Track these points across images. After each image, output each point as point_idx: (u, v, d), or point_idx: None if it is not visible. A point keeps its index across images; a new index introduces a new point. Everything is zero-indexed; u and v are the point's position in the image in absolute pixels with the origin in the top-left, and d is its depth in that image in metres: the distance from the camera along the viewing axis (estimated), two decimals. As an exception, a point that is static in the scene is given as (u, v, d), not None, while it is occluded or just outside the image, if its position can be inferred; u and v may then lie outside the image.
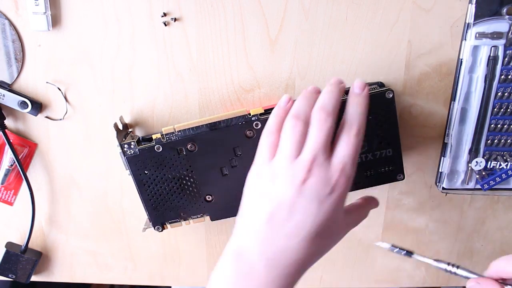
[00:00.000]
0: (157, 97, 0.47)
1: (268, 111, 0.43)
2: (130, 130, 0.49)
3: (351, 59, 0.45)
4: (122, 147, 0.44)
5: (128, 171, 0.46)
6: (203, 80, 0.47)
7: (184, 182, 0.45)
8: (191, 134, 0.44)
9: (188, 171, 0.45)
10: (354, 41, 0.45)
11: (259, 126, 0.43)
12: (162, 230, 0.47)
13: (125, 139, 0.46)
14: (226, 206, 0.46)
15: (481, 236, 0.53)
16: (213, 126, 0.44)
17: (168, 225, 0.47)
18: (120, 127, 0.47)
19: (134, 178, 0.45)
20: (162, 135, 0.44)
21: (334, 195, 0.34)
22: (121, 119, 0.47)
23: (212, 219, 0.47)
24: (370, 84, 0.45)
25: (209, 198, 0.46)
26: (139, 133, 0.49)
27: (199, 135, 0.43)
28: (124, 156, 0.45)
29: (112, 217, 0.53)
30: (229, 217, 0.46)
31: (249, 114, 0.43)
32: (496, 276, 0.32)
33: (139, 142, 0.45)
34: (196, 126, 0.44)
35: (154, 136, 0.44)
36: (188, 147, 0.44)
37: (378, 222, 0.52)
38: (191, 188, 0.46)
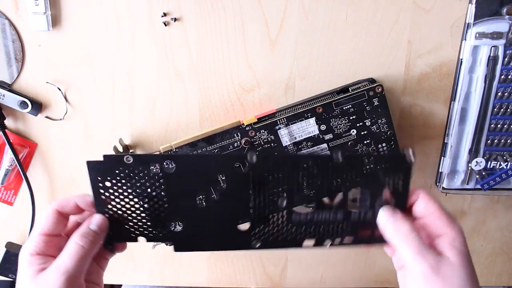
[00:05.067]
0: (157, 97, 0.47)
1: (261, 119, 0.43)
2: (131, 151, 0.48)
3: (351, 59, 0.45)
4: None
5: None
6: (203, 80, 0.47)
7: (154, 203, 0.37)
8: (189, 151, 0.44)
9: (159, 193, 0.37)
10: (354, 41, 0.45)
11: (254, 160, 0.35)
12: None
13: None
14: (193, 239, 0.38)
15: (481, 236, 0.53)
16: (210, 140, 0.44)
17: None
18: (120, 149, 0.47)
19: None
20: (161, 154, 0.44)
21: None
22: (120, 141, 0.47)
23: (175, 250, 0.38)
24: (360, 82, 0.45)
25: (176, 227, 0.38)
26: (140, 153, 0.49)
27: (181, 157, 0.37)
28: None
29: (112, 217, 0.53)
30: (195, 250, 0.39)
31: (243, 124, 0.43)
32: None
33: None
34: (193, 142, 0.44)
35: None
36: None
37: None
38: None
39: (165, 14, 0.44)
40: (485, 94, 0.44)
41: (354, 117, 0.43)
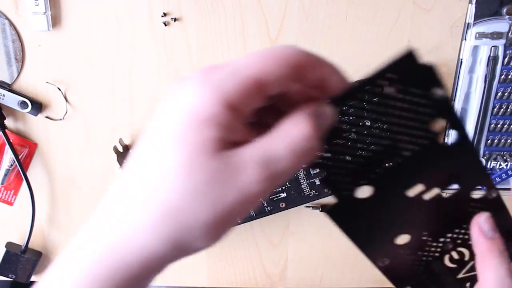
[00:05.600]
0: (157, 97, 0.47)
1: None
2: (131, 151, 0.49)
3: (351, 59, 0.45)
4: None
5: None
6: (203, 80, 0.47)
7: None
8: None
9: None
10: (354, 41, 0.45)
11: None
12: None
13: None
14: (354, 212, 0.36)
15: (481, 236, 0.53)
16: None
17: None
18: (120, 149, 0.47)
19: None
20: None
21: None
22: (120, 141, 0.48)
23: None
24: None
25: None
26: None
27: None
28: None
29: (112, 217, 0.53)
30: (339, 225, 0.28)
31: None
32: None
33: None
34: None
35: None
36: None
37: (378, 222, 0.52)
38: None
39: (165, 14, 0.44)
40: (485, 94, 0.44)
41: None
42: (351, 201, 0.23)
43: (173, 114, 0.18)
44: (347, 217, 0.24)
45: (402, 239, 0.26)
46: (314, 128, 0.19)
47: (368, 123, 0.21)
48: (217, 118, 0.18)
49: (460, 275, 0.28)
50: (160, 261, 0.20)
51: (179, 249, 0.19)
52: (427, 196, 0.24)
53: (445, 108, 0.21)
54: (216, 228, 0.19)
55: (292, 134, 0.19)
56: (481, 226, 0.25)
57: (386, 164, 0.22)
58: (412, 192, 0.24)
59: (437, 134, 0.22)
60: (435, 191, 0.24)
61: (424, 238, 0.26)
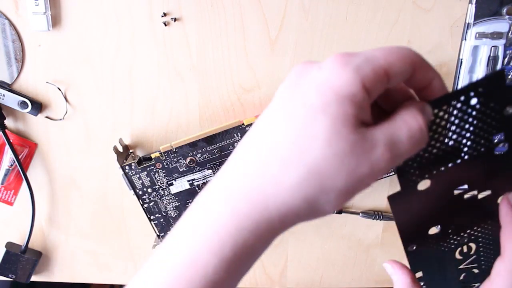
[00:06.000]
0: (157, 97, 0.47)
1: None
2: (130, 151, 0.49)
3: (351, 59, 0.45)
4: (123, 169, 0.45)
5: (131, 192, 0.46)
6: (203, 80, 0.47)
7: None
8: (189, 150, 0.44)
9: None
10: (354, 41, 0.45)
11: None
12: None
13: (126, 160, 0.46)
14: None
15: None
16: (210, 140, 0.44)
17: None
18: (120, 149, 0.47)
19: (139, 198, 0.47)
20: (160, 153, 0.45)
21: None
22: (120, 141, 0.48)
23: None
24: None
25: None
26: (140, 153, 0.49)
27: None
28: (126, 177, 0.45)
29: (112, 217, 0.53)
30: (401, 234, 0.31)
31: (243, 124, 0.44)
32: None
33: (140, 162, 0.46)
34: (193, 142, 0.45)
35: (153, 155, 0.45)
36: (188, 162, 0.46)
37: (378, 222, 0.52)
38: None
39: (165, 14, 0.44)
40: (485, 94, 0.44)
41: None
42: (412, 191, 0.25)
43: (315, 88, 0.20)
44: (403, 205, 0.26)
45: (433, 229, 0.28)
46: (426, 122, 0.21)
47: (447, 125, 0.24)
48: (356, 96, 0.20)
49: (461, 266, 0.30)
50: (293, 218, 0.21)
51: (311, 209, 0.21)
52: (467, 195, 0.27)
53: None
54: (345, 195, 0.21)
55: (410, 123, 0.21)
56: (510, 199, 0.27)
57: (449, 164, 0.24)
58: (457, 191, 0.26)
59: (496, 144, 0.24)
60: (473, 192, 0.26)
61: (450, 231, 0.28)
